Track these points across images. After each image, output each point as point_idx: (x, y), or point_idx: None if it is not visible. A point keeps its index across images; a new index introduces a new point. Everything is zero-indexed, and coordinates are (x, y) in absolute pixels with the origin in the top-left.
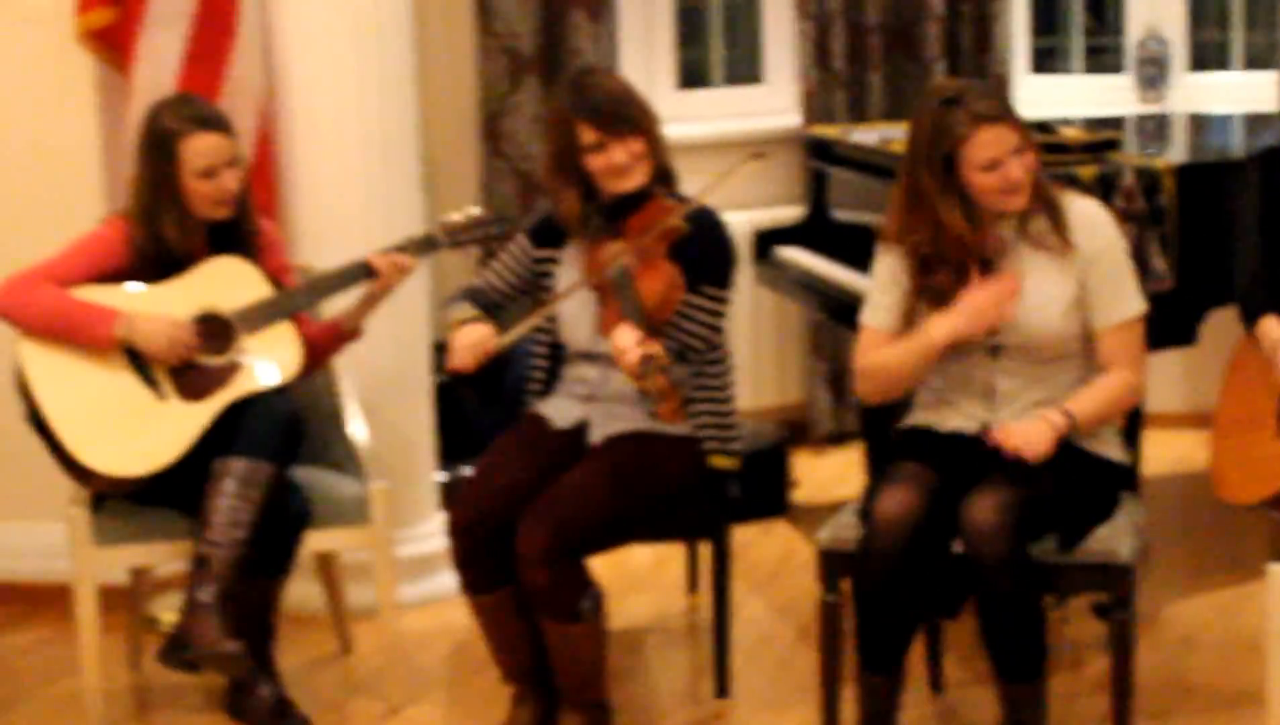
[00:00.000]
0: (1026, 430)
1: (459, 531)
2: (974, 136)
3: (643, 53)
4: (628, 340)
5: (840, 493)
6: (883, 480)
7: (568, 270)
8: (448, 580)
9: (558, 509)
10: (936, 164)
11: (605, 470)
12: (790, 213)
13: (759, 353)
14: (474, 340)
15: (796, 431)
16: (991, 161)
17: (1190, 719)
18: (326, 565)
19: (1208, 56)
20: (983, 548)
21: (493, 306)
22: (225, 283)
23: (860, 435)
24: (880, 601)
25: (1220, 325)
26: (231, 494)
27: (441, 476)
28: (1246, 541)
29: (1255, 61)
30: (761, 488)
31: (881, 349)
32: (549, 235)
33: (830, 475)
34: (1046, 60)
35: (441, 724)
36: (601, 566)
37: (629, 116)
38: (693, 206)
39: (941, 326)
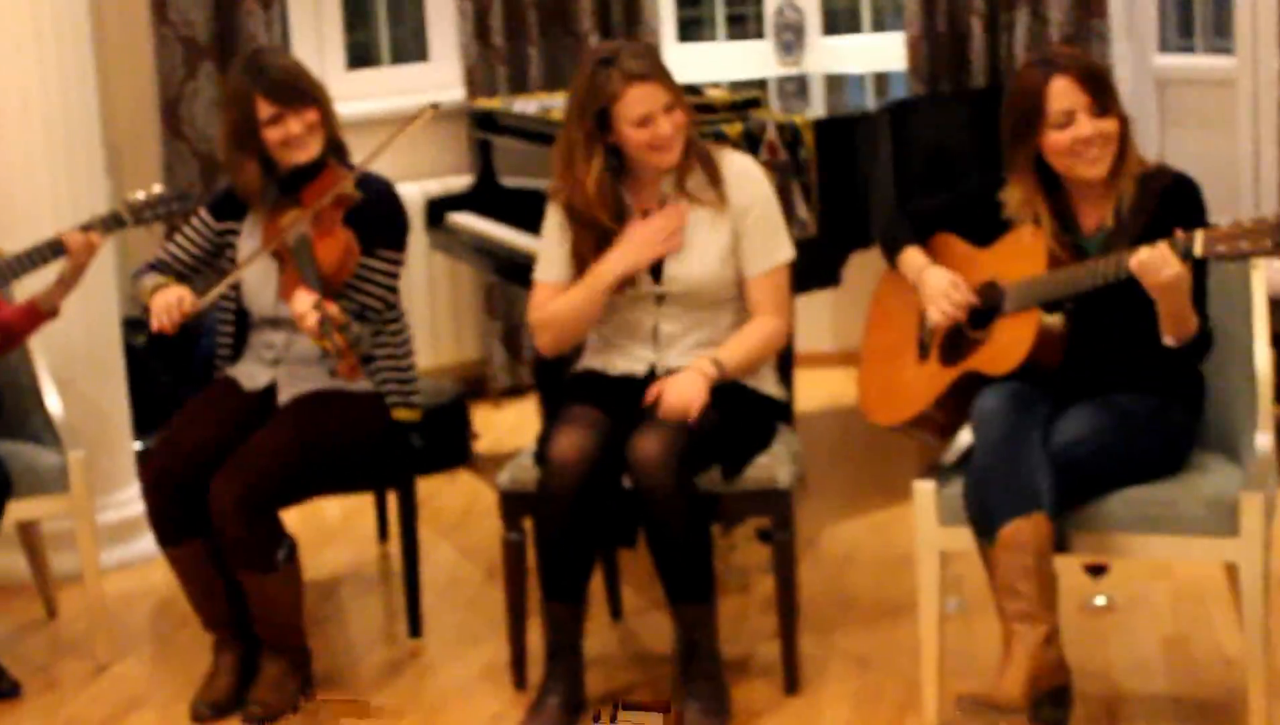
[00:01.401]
0: (681, 390)
1: (153, 487)
2: (626, 93)
3: (313, 36)
4: (306, 303)
5: (518, 442)
6: (556, 423)
7: (249, 240)
8: (148, 543)
9: (249, 466)
10: (591, 120)
11: (293, 428)
12: (459, 181)
13: (436, 314)
14: (172, 301)
15: (475, 386)
16: (643, 118)
17: (851, 630)
18: (29, 534)
19: (839, 21)
20: (650, 481)
21: (179, 278)
22: None
23: (534, 387)
24: (560, 536)
25: (861, 267)
26: None
27: (138, 445)
28: (897, 466)
29: (882, 25)
30: (444, 440)
31: (556, 299)
32: (229, 208)
33: (508, 426)
34: (692, 29)
35: (148, 678)
36: (295, 520)
37: (303, 89)
38: (363, 171)
39: (610, 264)
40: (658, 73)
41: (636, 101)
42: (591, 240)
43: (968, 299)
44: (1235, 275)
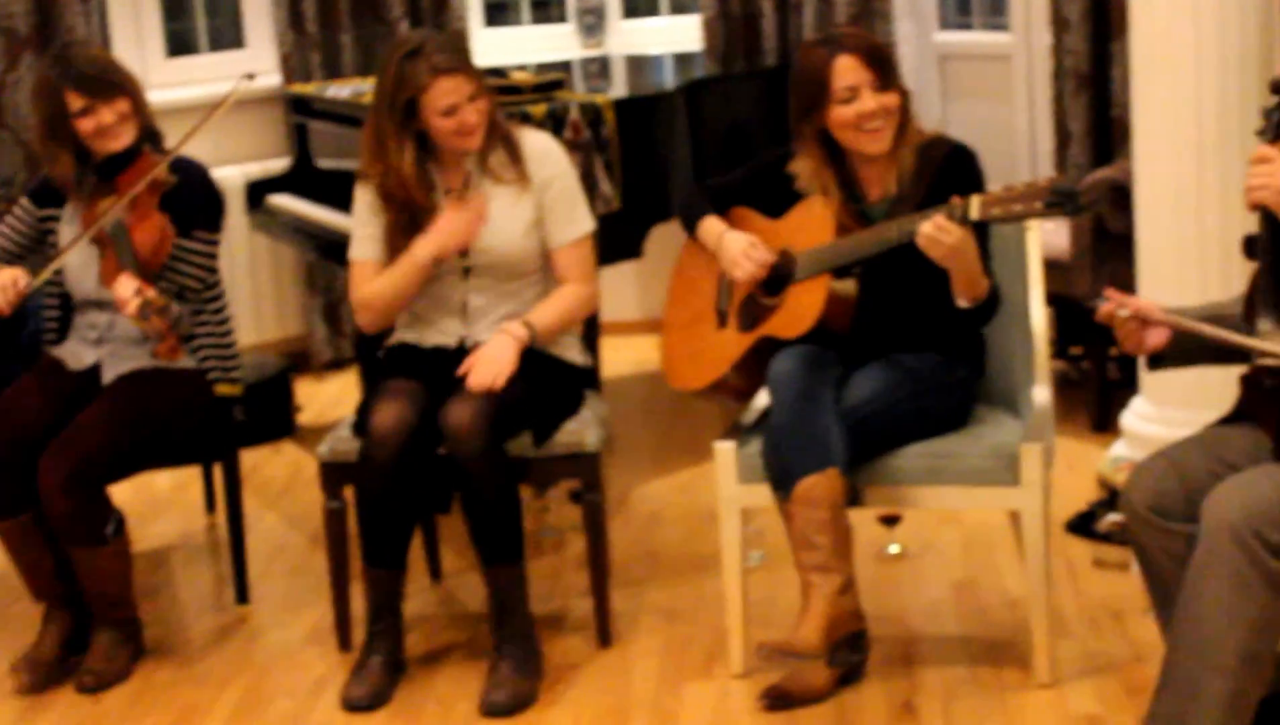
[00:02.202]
0: (487, 365)
1: None
2: (433, 86)
3: (132, 26)
4: (127, 288)
5: (340, 413)
6: (374, 397)
7: (69, 227)
8: None
9: (75, 444)
10: (399, 110)
11: (118, 406)
12: (278, 164)
13: (259, 292)
14: (7, 281)
15: (298, 361)
16: (449, 108)
17: (660, 584)
18: None
19: (639, 4)
20: (462, 447)
21: (4, 265)
22: None
23: (355, 360)
24: (381, 506)
25: (662, 239)
26: None
27: None
28: (699, 428)
29: (680, 7)
30: (269, 413)
31: (374, 279)
32: (49, 196)
33: (330, 398)
34: (498, 15)
35: None
36: (125, 492)
37: (112, 80)
38: (178, 156)
39: (425, 247)
40: (463, 65)
41: (443, 94)
42: (406, 219)
43: (767, 257)
44: (1011, 238)
